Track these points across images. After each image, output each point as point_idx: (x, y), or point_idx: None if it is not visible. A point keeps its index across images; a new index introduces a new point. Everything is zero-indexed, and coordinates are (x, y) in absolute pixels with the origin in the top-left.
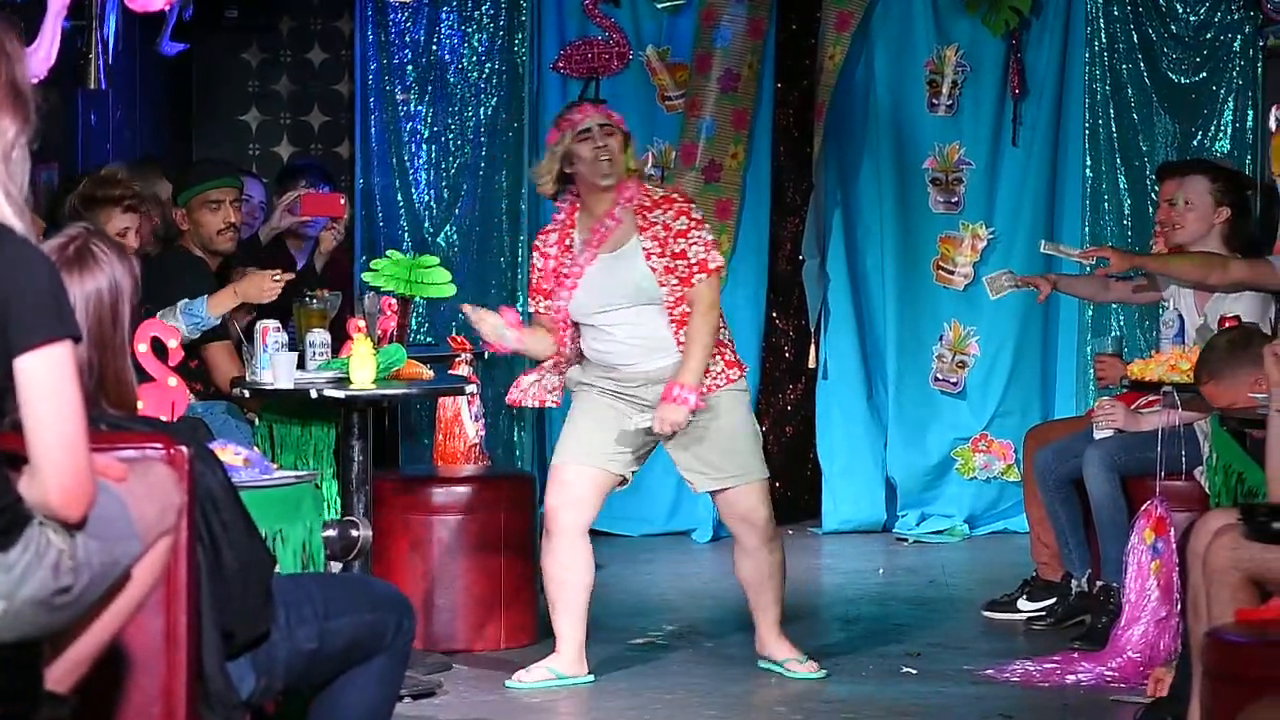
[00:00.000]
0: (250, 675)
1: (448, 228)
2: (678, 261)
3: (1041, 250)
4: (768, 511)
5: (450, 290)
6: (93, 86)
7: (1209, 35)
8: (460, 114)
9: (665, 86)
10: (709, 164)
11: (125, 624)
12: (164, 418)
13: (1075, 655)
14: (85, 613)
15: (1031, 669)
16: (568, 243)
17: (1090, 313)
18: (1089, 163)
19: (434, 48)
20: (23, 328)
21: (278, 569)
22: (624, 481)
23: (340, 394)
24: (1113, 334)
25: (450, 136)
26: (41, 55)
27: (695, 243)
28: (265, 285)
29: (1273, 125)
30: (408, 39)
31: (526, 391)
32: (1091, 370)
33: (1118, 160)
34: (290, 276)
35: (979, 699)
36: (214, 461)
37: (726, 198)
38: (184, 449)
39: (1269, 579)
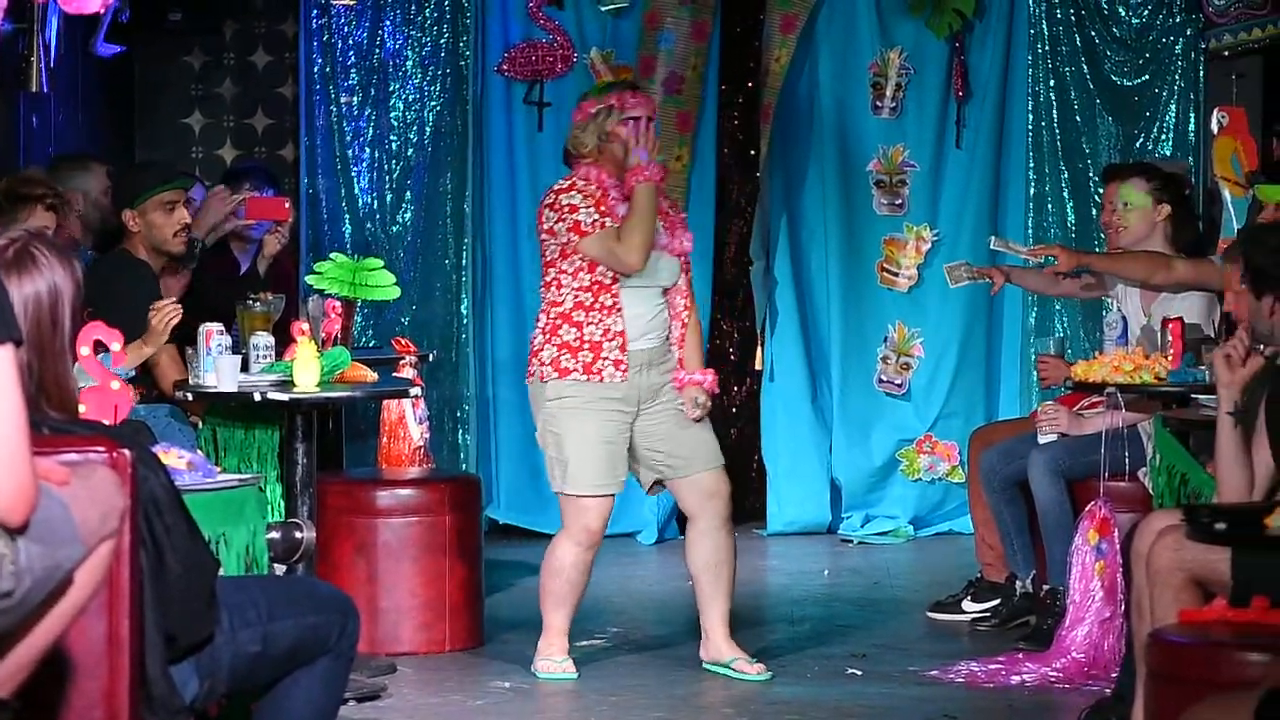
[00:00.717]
0: (194, 678)
1: (392, 230)
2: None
3: (991, 246)
4: (729, 490)
5: (394, 293)
6: (34, 89)
7: (1151, 38)
8: (404, 117)
9: None
10: None
11: (67, 628)
12: (107, 421)
13: (1020, 656)
14: (27, 617)
15: (976, 670)
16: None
17: (1034, 314)
18: (1032, 165)
19: (378, 51)
20: None
21: (221, 572)
22: None
23: (284, 397)
24: (1055, 335)
25: (394, 139)
26: None
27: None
28: (164, 319)
29: (1215, 128)
30: (351, 41)
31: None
32: (1035, 372)
33: (1061, 163)
34: (176, 306)
35: (924, 700)
36: (157, 465)
37: (671, 200)
38: (127, 452)
39: (1212, 580)
